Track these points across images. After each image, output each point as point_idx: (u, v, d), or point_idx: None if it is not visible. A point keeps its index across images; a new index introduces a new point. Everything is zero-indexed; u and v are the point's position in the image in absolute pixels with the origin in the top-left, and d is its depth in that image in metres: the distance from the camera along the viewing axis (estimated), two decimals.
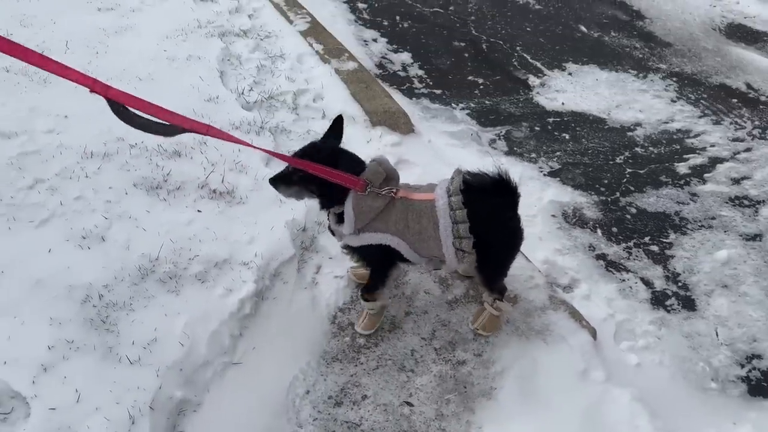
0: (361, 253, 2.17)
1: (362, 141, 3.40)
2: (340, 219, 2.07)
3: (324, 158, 1.95)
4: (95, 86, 1.55)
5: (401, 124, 3.53)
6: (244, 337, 2.26)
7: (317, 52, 4.15)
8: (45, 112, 3.11)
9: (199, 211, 2.68)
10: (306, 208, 2.80)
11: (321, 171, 1.91)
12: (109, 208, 2.60)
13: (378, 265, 2.22)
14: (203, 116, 3.25)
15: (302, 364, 2.22)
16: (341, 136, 2.14)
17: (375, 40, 4.96)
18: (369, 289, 2.28)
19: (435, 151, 3.48)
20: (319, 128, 3.44)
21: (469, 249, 1.99)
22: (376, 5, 5.62)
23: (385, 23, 5.29)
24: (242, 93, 3.59)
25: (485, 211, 1.99)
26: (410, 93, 4.30)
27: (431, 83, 4.46)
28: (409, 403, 2.12)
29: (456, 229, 1.96)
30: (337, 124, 2.12)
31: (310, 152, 2.01)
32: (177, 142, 3.02)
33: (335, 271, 2.62)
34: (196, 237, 2.54)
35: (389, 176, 2.04)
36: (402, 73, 4.54)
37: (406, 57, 4.77)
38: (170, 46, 3.91)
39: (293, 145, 3.25)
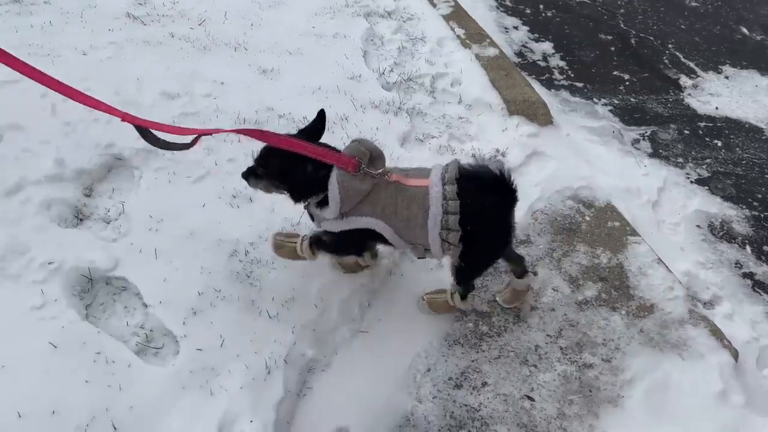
0: (340, 237, 2.02)
1: (498, 129, 3.35)
2: (320, 203, 1.95)
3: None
4: (125, 118, 1.83)
5: (539, 115, 3.44)
6: (371, 308, 2.32)
7: (458, 36, 4.13)
8: (204, 77, 3.34)
9: None
10: None
11: (311, 150, 1.82)
12: None
13: (351, 246, 2.13)
14: (346, 93, 3.36)
15: (425, 342, 2.25)
16: (322, 131, 2.00)
17: (516, 28, 4.85)
18: (318, 245, 2.13)
19: (573, 145, 3.36)
20: (454, 113, 3.43)
21: (456, 242, 1.89)
22: None
23: (528, 11, 5.14)
24: (383, 73, 3.66)
25: (478, 207, 1.88)
26: (549, 84, 4.17)
27: (572, 75, 4.29)
28: (530, 398, 2.08)
29: (445, 219, 1.85)
30: (320, 117, 1.99)
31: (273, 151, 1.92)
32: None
33: None
34: None
35: (374, 156, 1.90)
36: (542, 63, 4.41)
37: (547, 47, 4.62)
38: (318, 23, 4.06)
39: (428, 128, 3.28)
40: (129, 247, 2.32)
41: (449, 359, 2.21)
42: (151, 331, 2.09)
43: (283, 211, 2.54)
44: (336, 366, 2.12)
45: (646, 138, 3.70)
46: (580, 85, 4.18)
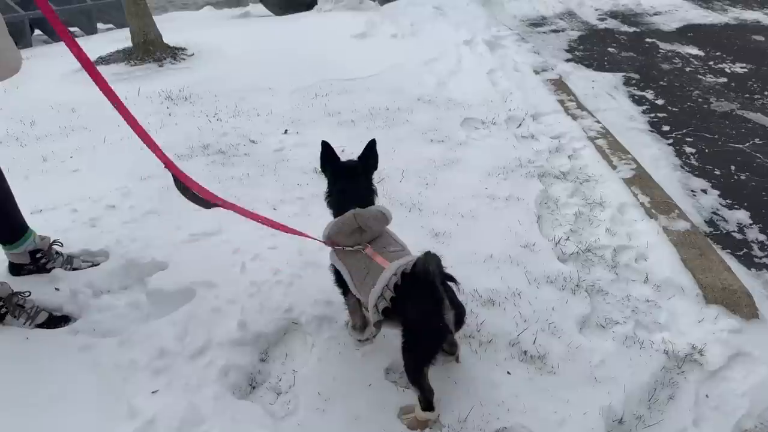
0: (334, 270, 2.50)
1: (692, 320, 2.96)
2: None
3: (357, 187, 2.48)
4: (169, 165, 2.40)
5: (743, 306, 3.00)
6: None
7: (642, 204, 3.87)
8: None
9: (508, 373, 2.58)
10: (625, 394, 2.50)
11: (282, 228, 2.52)
12: None
13: (337, 281, 2.53)
14: (518, 264, 3.23)
15: None
16: (372, 160, 2.54)
17: (705, 191, 4.47)
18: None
19: None
20: (640, 294, 3.13)
21: (376, 319, 2.21)
22: (707, 150, 5.13)
23: (717, 172, 4.76)
24: (558, 242, 3.49)
25: (414, 299, 2.11)
26: (749, 262, 3.69)
27: None
28: None
29: (380, 299, 2.15)
30: (369, 148, 2.52)
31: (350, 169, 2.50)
32: (492, 290, 3.02)
33: None
34: (504, 404, 2.42)
35: (363, 227, 2.33)
36: (738, 236, 3.96)
37: (743, 216, 4.17)
38: (491, 184, 4.07)
39: (611, 311, 3.00)
40: (296, 429, 2.28)
41: None
42: None
43: (450, 405, 2.38)
44: None
45: None
46: None
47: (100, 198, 3.66)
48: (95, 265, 3.10)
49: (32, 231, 2.94)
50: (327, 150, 2.49)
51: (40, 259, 2.98)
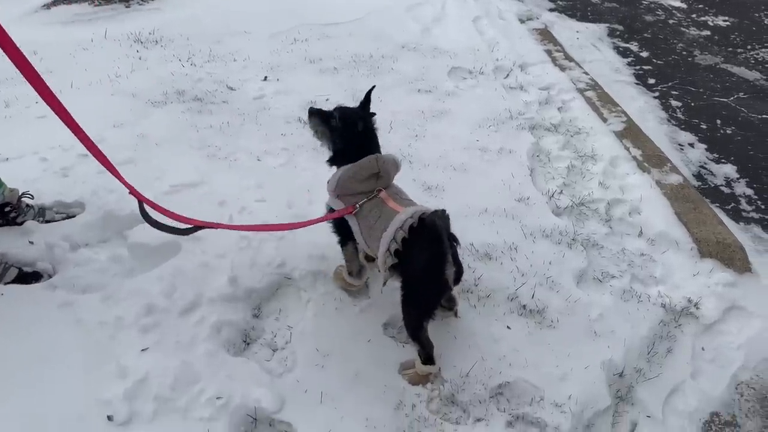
0: (333, 223, 2.44)
1: (687, 273, 2.97)
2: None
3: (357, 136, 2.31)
4: (133, 191, 2.33)
5: (736, 260, 3.01)
6: None
7: (634, 157, 3.83)
8: None
9: (508, 327, 2.54)
10: (625, 348, 2.49)
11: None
12: None
13: (337, 231, 2.46)
14: (514, 218, 3.16)
15: None
16: (367, 106, 2.39)
17: (692, 145, 4.46)
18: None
19: None
20: (635, 248, 3.11)
21: (389, 264, 2.14)
22: (692, 104, 5.10)
23: (703, 126, 4.74)
24: (552, 195, 3.43)
25: (419, 251, 2.07)
26: (737, 216, 3.71)
27: (764, 207, 3.80)
28: None
29: (393, 242, 2.09)
30: (367, 96, 2.39)
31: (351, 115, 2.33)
32: (488, 244, 2.95)
33: None
34: (505, 359, 2.39)
35: (381, 173, 2.26)
36: (726, 189, 3.97)
37: (729, 170, 4.18)
38: (482, 136, 3.96)
39: (607, 264, 2.97)
40: (295, 386, 2.20)
41: None
42: None
43: (452, 358, 2.33)
44: None
45: None
46: None
47: (71, 146, 3.40)
48: (70, 217, 2.91)
49: (2, 183, 2.72)
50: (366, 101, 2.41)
51: (9, 213, 2.77)
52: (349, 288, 2.61)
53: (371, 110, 2.42)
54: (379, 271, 2.29)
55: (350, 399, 2.18)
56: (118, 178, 2.31)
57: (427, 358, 2.24)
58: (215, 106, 4.18)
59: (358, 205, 2.25)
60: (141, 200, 2.36)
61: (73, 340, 2.27)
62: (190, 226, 2.35)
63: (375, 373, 2.29)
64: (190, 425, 2.02)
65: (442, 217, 2.02)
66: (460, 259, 2.23)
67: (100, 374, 2.14)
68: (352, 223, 2.30)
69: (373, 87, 2.43)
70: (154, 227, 2.37)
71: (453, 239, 2.10)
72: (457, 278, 2.19)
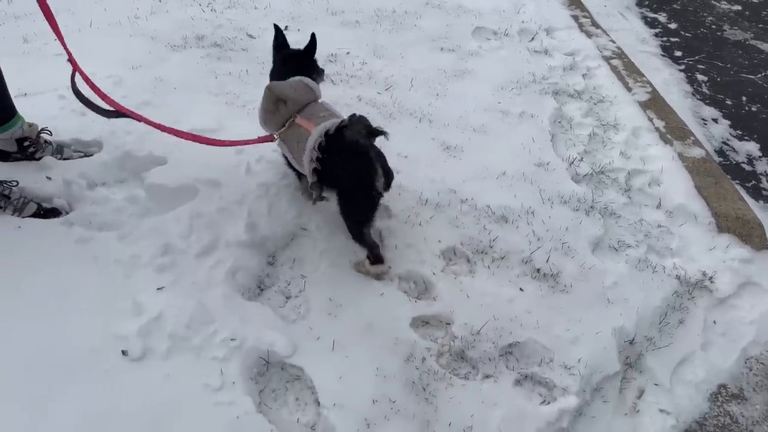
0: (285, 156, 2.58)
1: (704, 247, 2.94)
2: None
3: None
4: (71, 59, 2.41)
5: (754, 237, 2.98)
6: None
7: (657, 129, 3.76)
8: (388, 150, 3.27)
9: (521, 289, 2.54)
10: (637, 316, 2.49)
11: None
12: None
13: (289, 166, 2.62)
14: (532, 182, 3.13)
15: None
16: (313, 50, 2.62)
17: (716, 121, 4.37)
18: None
19: None
20: (652, 219, 3.08)
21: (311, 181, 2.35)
22: (719, 79, 4.98)
23: (728, 102, 4.64)
24: (572, 162, 3.39)
25: (347, 165, 2.22)
26: (757, 193, 3.66)
27: None
28: None
29: (311, 162, 2.26)
30: (312, 40, 2.59)
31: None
32: (505, 207, 2.92)
33: (661, 403, 2.26)
34: (517, 319, 2.39)
35: (282, 98, 2.37)
36: (747, 167, 3.90)
37: (752, 147, 4.10)
38: (504, 98, 3.89)
39: (623, 234, 2.95)
40: (308, 332, 2.22)
41: None
42: None
43: (463, 316, 2.34)
44: None
45: None
46: None
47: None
48: (88, 156, 2.91)
49: (21, 117, 2.71)
50: (279, 34, 2.70)
51: (28, 148, 2.76)
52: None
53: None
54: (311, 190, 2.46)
55: (361, 349, 2.20)
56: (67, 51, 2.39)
57: (376, 258, 2.42)
58: (234, 53, 4.11)
59: (276, 134, 2.42)
60: (75, 70, 2.42)
61: (89, 276, 2.29)
62: (113, 109, 2.46)
63: (387, 326, 2.30)
64: (203, 364, 2.04)
65: (357, 125, 2.14)
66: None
67: (116, 310, 2.16)
68: (284, 151, 2.47)
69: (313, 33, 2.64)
70: (81, 102, 2.48)
71: (380, 133, 2.16)
72: (388, 184, 2.34)
